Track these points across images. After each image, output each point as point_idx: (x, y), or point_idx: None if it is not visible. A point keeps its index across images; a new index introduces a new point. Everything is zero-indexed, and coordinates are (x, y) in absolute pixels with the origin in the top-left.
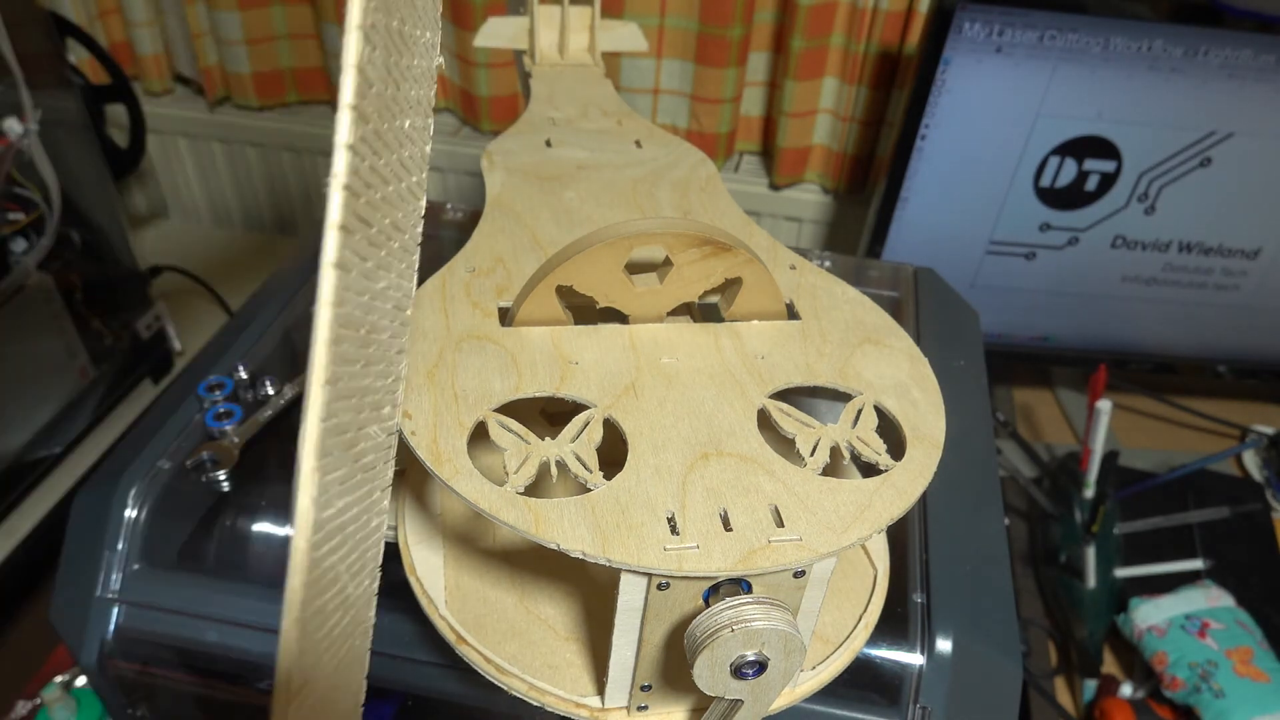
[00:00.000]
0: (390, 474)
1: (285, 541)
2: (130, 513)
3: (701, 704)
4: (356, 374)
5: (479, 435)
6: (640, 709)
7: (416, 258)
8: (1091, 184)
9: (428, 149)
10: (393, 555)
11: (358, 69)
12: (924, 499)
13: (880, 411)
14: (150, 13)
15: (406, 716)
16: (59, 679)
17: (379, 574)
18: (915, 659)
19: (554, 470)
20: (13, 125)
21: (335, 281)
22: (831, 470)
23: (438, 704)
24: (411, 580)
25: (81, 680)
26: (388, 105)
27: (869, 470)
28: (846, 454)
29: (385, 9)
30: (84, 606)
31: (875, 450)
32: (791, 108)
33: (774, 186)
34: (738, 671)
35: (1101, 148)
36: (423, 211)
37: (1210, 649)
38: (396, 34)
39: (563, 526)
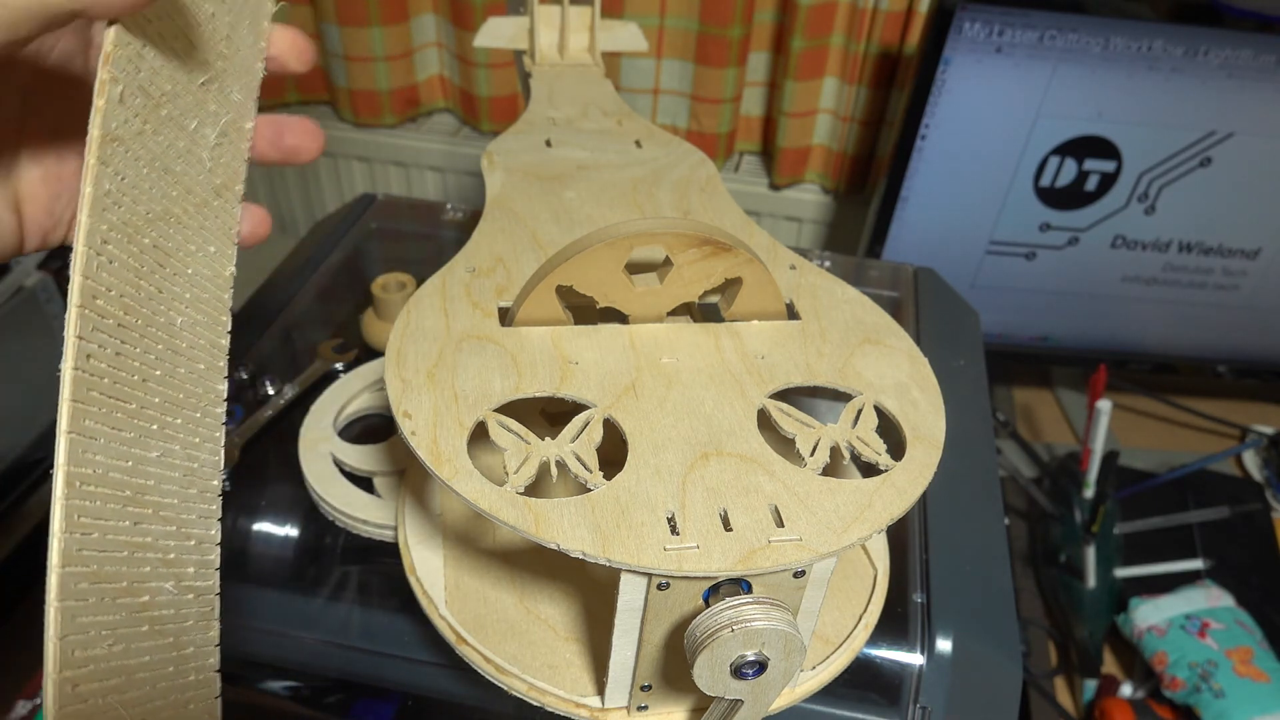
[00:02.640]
0: (214, 630)
1: (286, 541)
2: None
3: (701, 704)
4: (124, 529)
5: (479, 435)
6: (640, 709)
7: (217, 431)
8: (1091, 184)
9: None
10: (393, 555)
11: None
12: (924, 499)
13: (880, 411)
14: None
15: (406, 716)
16: None
17: None
18: (915, 659)
19: (554, 470)
20: None
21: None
22: (831, 470)
23: (438, 704)
24: (411, 580)
25: None
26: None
27: (869, 470)
28: (846, 454)
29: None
30: None
31: (875, 450)
32: (791, 108)
33: (774, 186)
34: (738, 671)
35: (1101, 148)
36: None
37: (1210, 649)
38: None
39: (563, 526)
